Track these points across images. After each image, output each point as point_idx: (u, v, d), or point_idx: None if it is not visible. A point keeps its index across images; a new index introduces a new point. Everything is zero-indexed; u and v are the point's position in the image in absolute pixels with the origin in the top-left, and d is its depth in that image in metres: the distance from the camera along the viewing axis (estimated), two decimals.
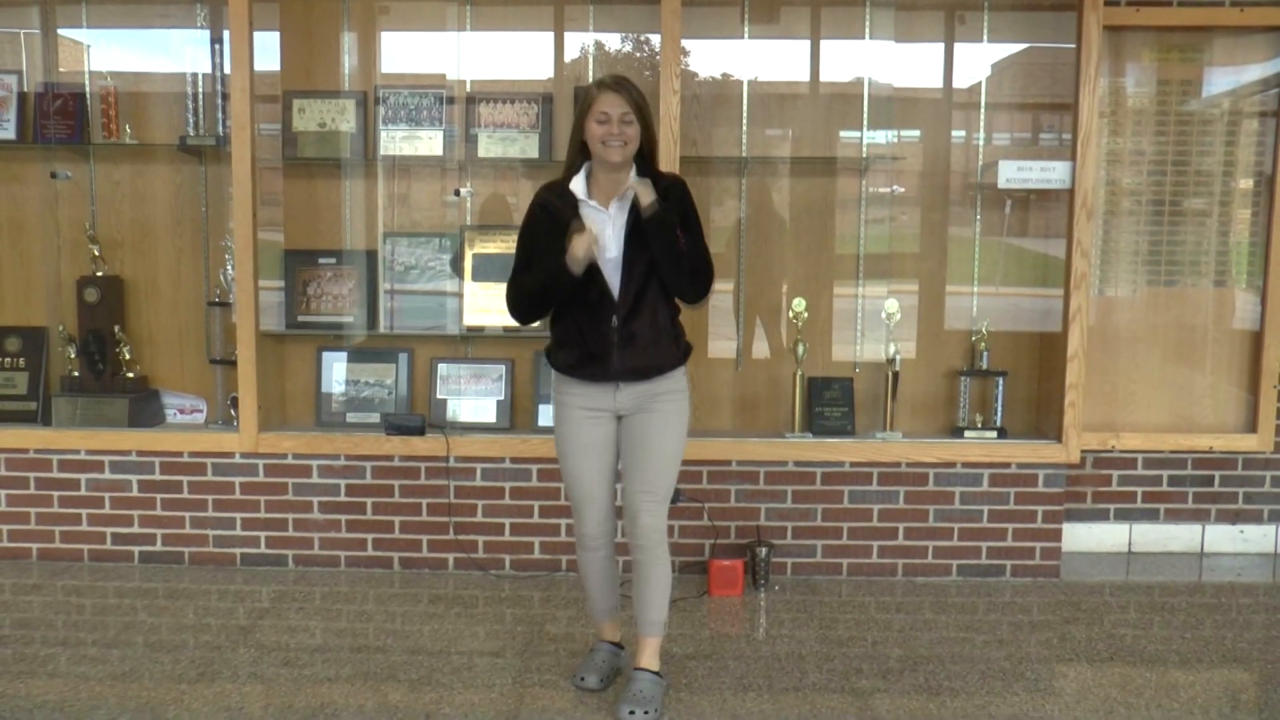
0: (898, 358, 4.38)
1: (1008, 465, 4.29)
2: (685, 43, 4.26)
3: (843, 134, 4.48)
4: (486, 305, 4.40)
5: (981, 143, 4.49)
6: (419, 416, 4.31)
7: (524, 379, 4.45)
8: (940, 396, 4.52)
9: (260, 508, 4.33)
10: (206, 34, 4.35)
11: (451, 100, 4.39)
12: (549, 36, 4.46)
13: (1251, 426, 4.55)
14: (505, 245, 4.39)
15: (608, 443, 3.12)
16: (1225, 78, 4.50)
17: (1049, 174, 4.23)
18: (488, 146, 4.37)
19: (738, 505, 4.31)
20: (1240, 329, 4.57)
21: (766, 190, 4.49)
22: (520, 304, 3.10)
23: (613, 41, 4.47)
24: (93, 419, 4.33)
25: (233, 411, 4.35)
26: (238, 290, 4.21)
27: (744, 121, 4.41)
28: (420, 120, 4.38)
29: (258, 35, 4.15)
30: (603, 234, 3.00)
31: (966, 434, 4.34)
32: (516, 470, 4.28)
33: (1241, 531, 4.65)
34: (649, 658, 3.15)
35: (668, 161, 3.93)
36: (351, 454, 4.29)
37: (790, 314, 4.35)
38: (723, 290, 4.43)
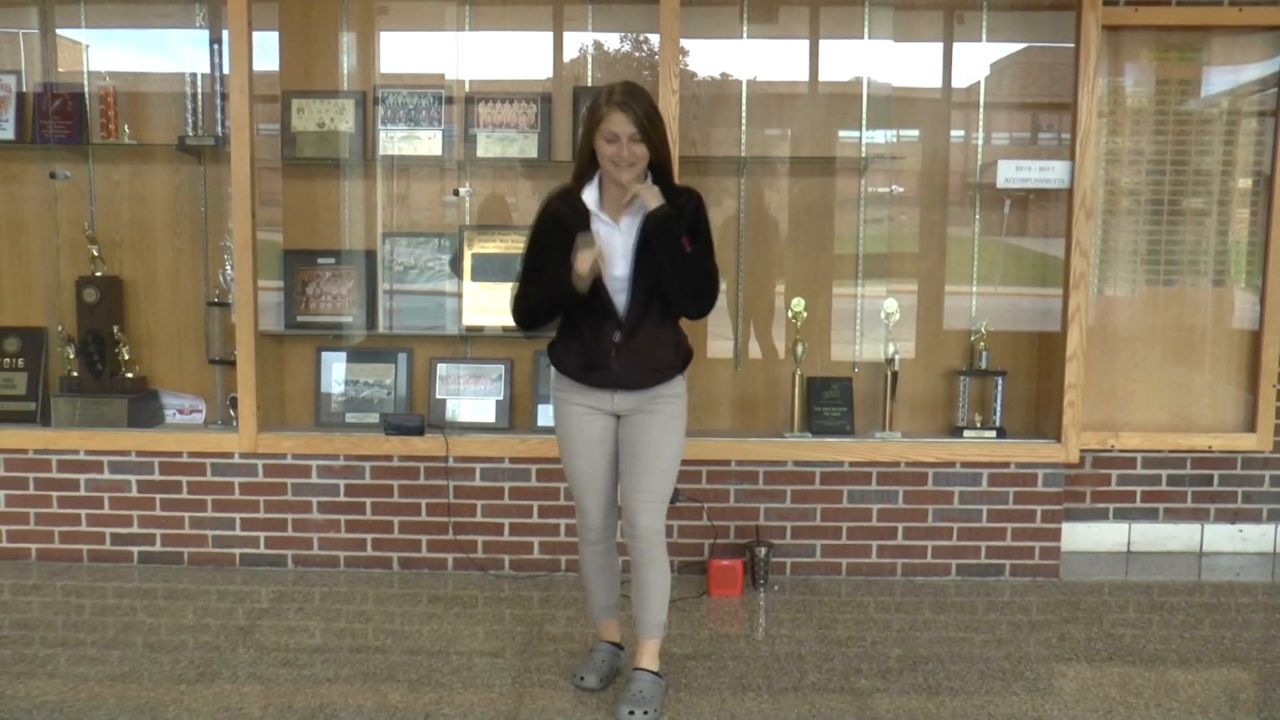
0: (897, 357, 4.38)
1: (1007, 465, 4.29)
2: (684, 42, 4.26)
3: (842, 134, 4.48)
4: (486, 305, 4.41)
5: (980, 142, 4.49)
6: (418, 416, 4.31)
7: (523, 379, 4.45)
8: (939, 396, 4.52)
9: (259, 508, 4.33)
10: (205, 34, 4.35)
11: (450, 100, 4.39)
12: (548, 36, 4.46)
13: (1250, 426, 4.55)
14: (504, 245, 4.40)
15: (607, 438, 3.12)
16: (1224, 77, 4.50)
17: (1048, 173, 4.23)
18: (486, 146, 4.37)
19: (737, 505, 4.31)
20: (1239, 328, 4.57)
21: (765, 190, 4.49)
22: (525, 314, 3.09)
23: (611, 41, 4.47)
24: (92, 419, 4.33)
25: (232, 412, 4.35)
26: (237, 290, 4.21)
27: (743, 121, 4.41)
28: (419, 120, 4.38)
29: (256, 35, 4.15)
30: (612, 249, 2.98)
31: (965, 434, 4.34)
32: (516, 470, 4.29)
33: (1240, 531, 4.65)
34: (648, 658, 3.16)
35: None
36: (351, 454, 4.29)
37: (789, 314, 4.35)
38: (721, 290, 4.41)
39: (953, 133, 4.52)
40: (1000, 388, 4.39)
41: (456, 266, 4.44)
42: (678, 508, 4.13)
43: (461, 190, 4.46)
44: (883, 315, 4.39)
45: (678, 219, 2.93)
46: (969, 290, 4.51)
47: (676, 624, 3.75)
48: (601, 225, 2.99)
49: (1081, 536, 4.61)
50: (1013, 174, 4.26)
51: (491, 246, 4.42)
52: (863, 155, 4.45)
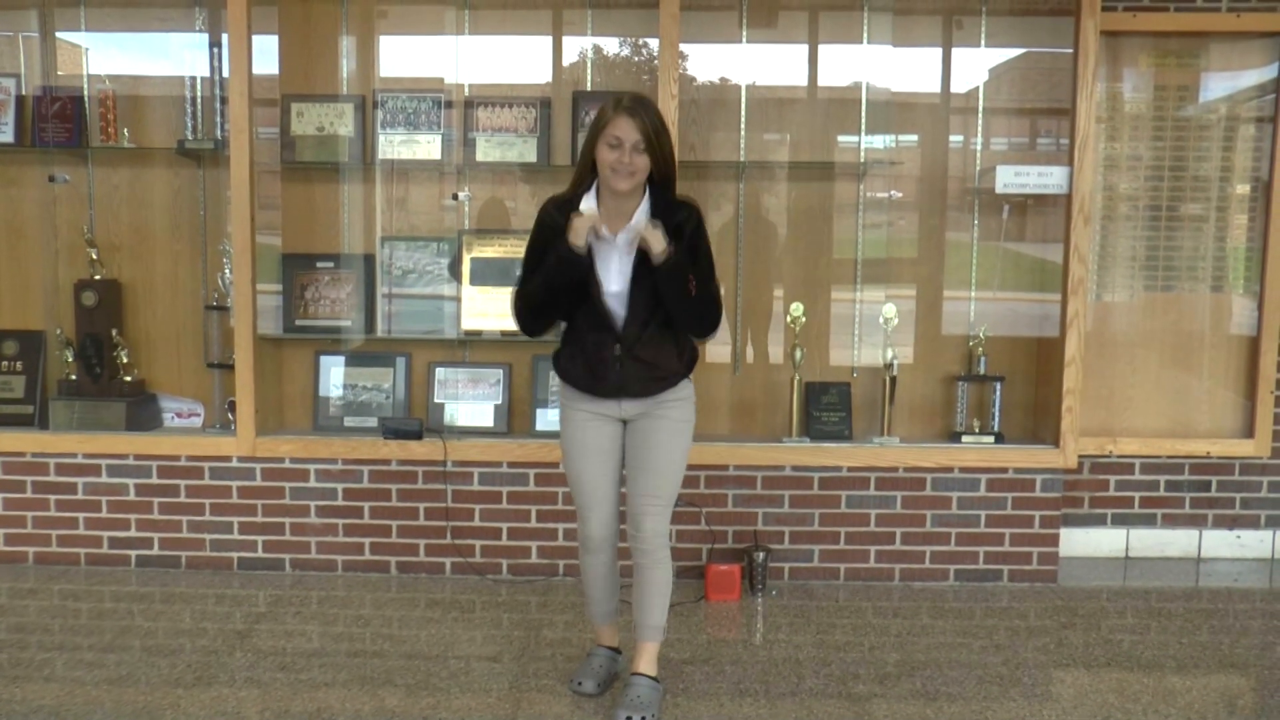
0: (895, 363, 4.38)
1: (1005, 470, 4.29)
2: (683, 47, 4.26)
3: (840, 139, 4.48)
4: (484, 309, 4.41)
5: (979, 148, 4.49)
6: (416, 421, 4.31)
7: (522, 383, 4.44)
8: (938, 401, 4.52)
9: (257, 511, 4.32)
10: (205, 37, 4.35)
11: (450, 104, 4.40)
12: (547, 41, 4.46)
13: (1249, 432, 4.55)
14: (503, 249, 4.40)
15: (613, 446, 3.12)
16: (1222, 83, 4.51)
17: (1046, 179, 4.23)
18: (486, 151, 4.37)
19: (735, 510, 4.31)
20: (1237, 334, 4.58)
21: (764, 195, 4.50)
22: (526, 313, 3.08)
23: (611, 46, 4.47)
24: (90, 422, 4.33)
25: (230, 415, 4.35)
26: (235, 294, 4.21)
27: (742, 126, 4.41)
28: (418, 124, 4.38)
29: (256, 39, 4.15)
30: (608, 264, 2.97)
31: (964, 439, 4.34)
32: (514, 475, 4.28)
33: (1238, 537, 4.65)
34: (647, 663, 3.15)
35: None
36: (349, 458, 4.28)
37: (788, 318, 4.35)
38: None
39: (951, 138, 4.53)
40: (999, 393, 4.39)
41: (455, 271, 4.44)
42: (676, 512, 4.12)
43: (460, 194, 4.46)
44: (881, 320, 4.40)
45: (682, 266, 2.90)
46: (967, 295, 4.52)
47: (674, 629, 3.75)
48: (598, 241, 2.98)
49: (1079, 542, 4.61)
50: (1011, 179, 4.27)
51: (490, 251, 4.42)
52: (861, 160, 4.46)
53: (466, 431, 4.37)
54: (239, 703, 3.18)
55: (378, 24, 4.45)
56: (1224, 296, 4.58)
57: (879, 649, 3.64)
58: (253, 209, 4.17)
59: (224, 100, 4.24)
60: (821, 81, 4.48)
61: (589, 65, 4.44)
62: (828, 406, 4.37)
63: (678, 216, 2.95)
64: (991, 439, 4.34)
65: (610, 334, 3.00)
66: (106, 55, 4.50)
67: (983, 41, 4.42)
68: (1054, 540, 4.33)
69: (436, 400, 4.42)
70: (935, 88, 4.49)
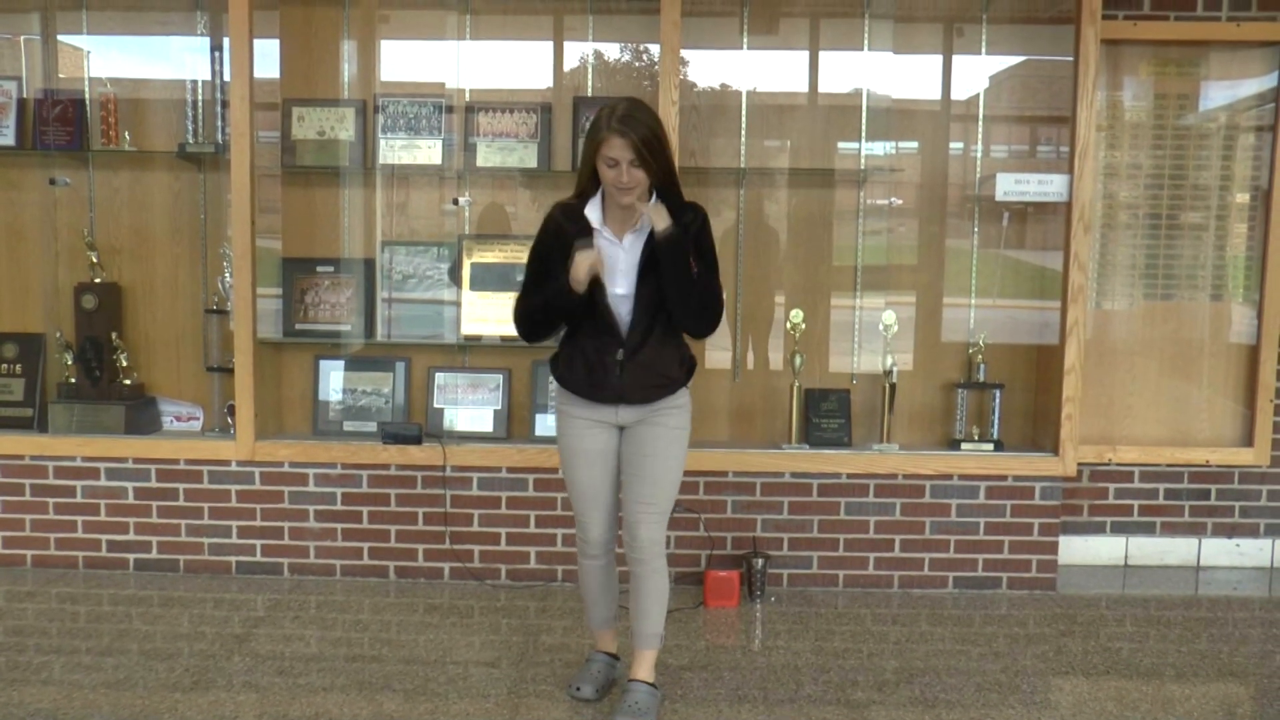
0: (895, 369, 4.38)
1: (1004, 478, 4.29)
2: (684, 53, 4.27)
3: (841, 145, 4.49)
4: (484, 314, 4.41)
5: (979, 155, 4.50)
6: (416, 425, 4.31)
7: (521, 388, 4.44)
8: (937, 408, 4.52)
9: (256, 516, 4.32)
10: (206, 41, 4.36)
11: (450, 109, 4.40)
12: (548, 46, 4.47)
13: (1248, 440, 4.55)
14: (503, 255, 4.40)
15: (610, 452, 3.12)
16: (1222, 92, 4.51)
17: (1046, 187, 4.24)
18: (486, 156, 4.37)
19: (734, 516, 4.30)
20: (1237, 343, 4.58)
21: (764, 201, 4.50)
22: (526, 324, 3.09)
23: (612, 52, 4.48)
24: (89, 426, 4.33)
25: (229, 419, 4.35)
26: (235, 298, 4.21)
27: (743, 132, 4.41)
28: (419, 129, 4.38)
29: (257, 43, 4.15)
30: (614, 265, 2.98)
31: (963, 446, 4.34)
32: (513, 480, 4.28)
33: (1238, 545, 4.65)
34: (645, 669, 3.15)
35: None
36: (348, 463, 4.28)
37: (788, 325, 4.36)
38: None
39: (952, 145, 4.53)
40: (998, 400, 4.39)
41: (455, 275, 4.44)
42: (675, 518, 4.12)
43: (461, 199, 4.46)
44: (881, 327, 4.40)
45: (684, 240, 2.93)
46: (967, 303, 4.52)
47: (673, 635, 3.74)
48: (604, 242, 2.99)
49: (1079, 550, 4.61)
50: (1011, 187, 4.27)
51: (490, 256, 4.43)
52: (862, 167, 4.46)
53: (466, 436, 4.37)
54: (237, 707, 3.17)
55: (379, 28, 4.46)
56: (1223, 305, 4.59)
57: (878, 656, 3.64)
58: (253, 213, 4.18)
59: (225, 104, 4.24)
60: (822, 88, 4.48)
61: (590, 71, 4.44)
62: (827, 413, 4.37)
63: (684, 218, 2.97)
64: (991, 446, 4.34)
65: (613, 339, 3.00)
66: (108, 58, 4.51)
67: (983, 49, 4.42)
68: (1053, 548, 4.33)
69: (436, 405, 4.42)
70: (936, 95, 4.49)
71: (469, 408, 4.41)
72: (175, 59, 4.47)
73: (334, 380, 4.46)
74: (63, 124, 4.35)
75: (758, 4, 4.38)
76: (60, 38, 4.50)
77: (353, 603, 4.08)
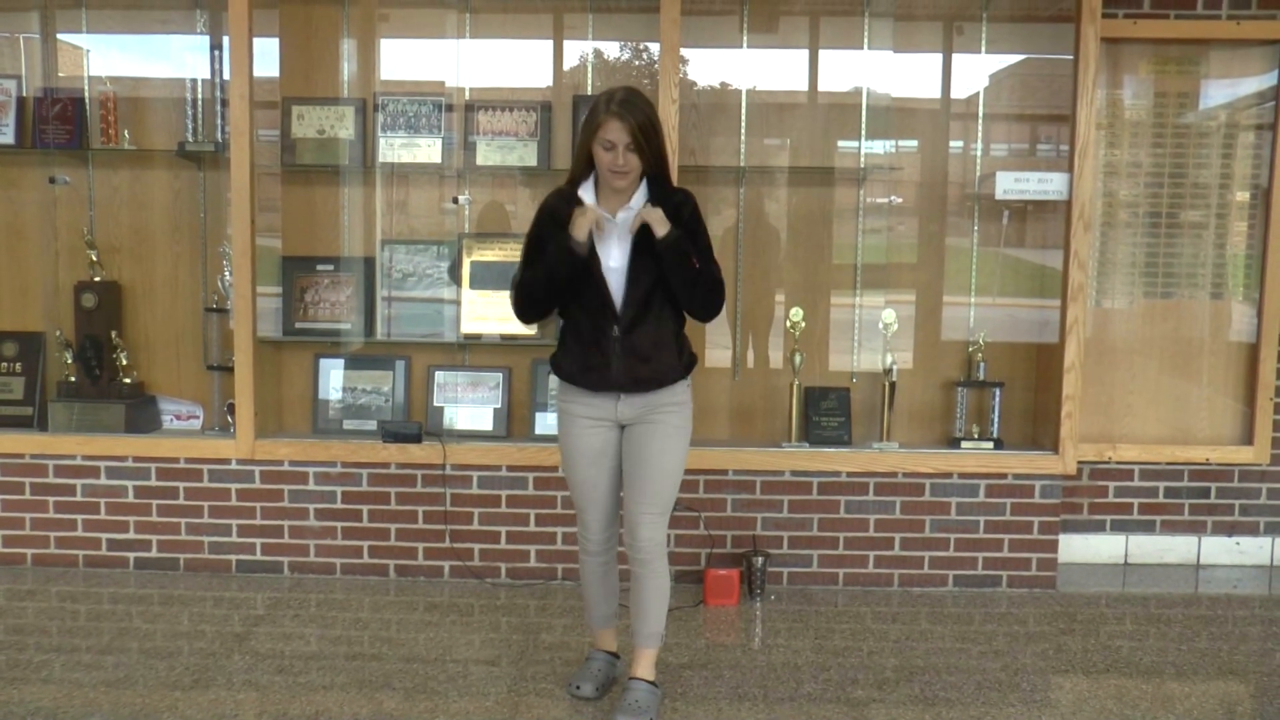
0: (895, 368, 4.38)
1: (1004, 476, 4.29)
2: (684, 52, 4.27)
3: (841, 144, 4.49)
4: (484, 313, 4.41)
5: (979, 153, 4.49)
6: (416, 424, 4.31)
7: (521, 387, 4.44)
8: (937, 407, 4.52)
9: (256, 514, 4.32)
10: (206, 40, 4.36)
11: (450, 108, 4.40)
12: (548, 45, 4.47)
13: (1248, 439, 4.55)
14: (503, 253, 4.40)
15: (610, 450, 3.12)
16: (1222, 90, 4.51)
17: (1046, 185, 4.24)
18: (486, 154, 4.37)
19: (734, 515, 4.30)
20: (1236, 341, 4.58)
21: (764, 200, 4.50)
22: (523, 301, 3.08)
23: (612, 50, 4.48)
24: (89, 424, 4.33)
25: (229, 418, 4.35)
26: (235, 296, 4.21)
27: (742, 131, 4.41)
28: (419, 128, 4.38)
29: (257, 41, 4.15)
30: (608, 243, 3.00)
31: (963, 444, 4.34)
32: (513, 478, 4.28)
33: (1238, 543, 4.65)
34: (645, 668, 3.16)
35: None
36: (348, 461, 4.28)
37: (787, 323, 4.36)
38: None
39: (951, 144, 4.53)
40: (998, 399, 4.39)
41: (455, 274, 4.44)
42: (675, 517, 4.12)
43: (461, 198, 4.46)
44: (881, 326, 4.40)
45: (684, 241, 2.95)
46: (967, 301, 4.52)
47: (673, 633, 3.74)
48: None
49: (1079, 548, 4.61)
50: (1011, 185, 4.27)
51: (490, 254, 4.43)
52: (862, 165, 4.46)
53: (466, 435, 4.37)
54: (237, 705, 3.17)
55: (379, 27, 4.46)
56: (1223, 303, 4.59)
57: (878, 654, 3.64)
58: (253, 211, 4.18)
59: (225, 103, 4.24)
60: (822, 87, 4.48)
61: (589, 69, 4.44)
62: (827, 411, 4.37)
63: (674, 200, 3.00)
64: (991, 445, 4.34)
65: (609, 318, 2.99)
66: (107, 57, 4.51)
67: (983, 47, 4.42)
68: (1053, 546, 4.33)
69: (436, 404, 4.42)
70: (936, 93, 4.49)
71: (469, 406, 4.41)
72: (175, 57, 4.47)
73: (334, 379, 4.46)
74: (62, 123, 4.35)
75: (757, 2, 4.38)
76: (60, 36, 4.50)
77: (353, 601, 4.08)
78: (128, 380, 4.42)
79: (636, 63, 4.49)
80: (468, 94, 4.43)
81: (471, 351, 4.48)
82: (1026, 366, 4.51)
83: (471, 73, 4.44)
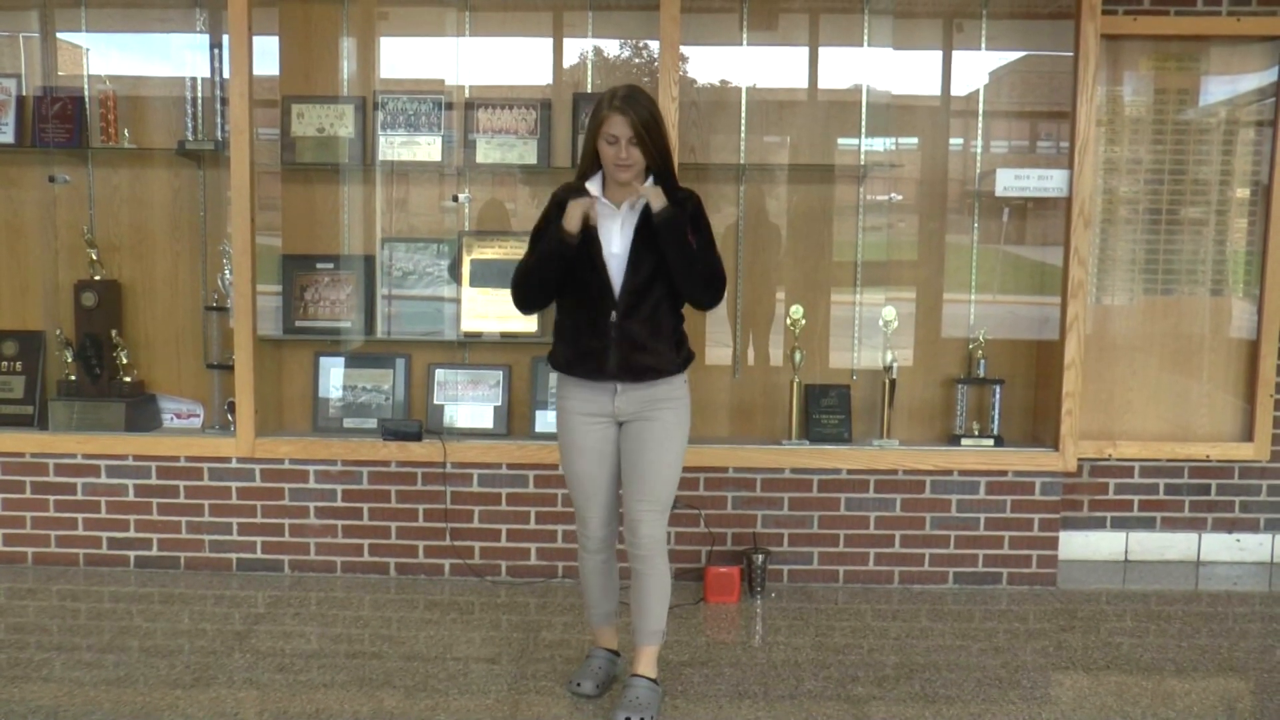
0: (895, 365, 4.38)
1: (1004, 473, 4.29)
2: (684, 49, 4.27)
3: (841, 141, 4.48)
4: (484, 311, 4.41)
5: (979, 150, 4.49)
6: (416, 422, 4.31)
7: (521, 385, 4.44)
8: (937, 404, 4.52)
9: (256, 513, 4.32)
10: (205, 38, 4.36)
11: (450, 106, 4.40)
12: (548, 43, 4.46)
13: (1248, 435, 4.55)
14: (504, 251, 4.40)
15: (609, 447, 3.12)
16: (1222, 87, 4.51)
17: (1046, 182, 4.23)
18: (486, 152, 4.37)
19: (734, 512, 4.30)
20: (1237, 338, 4.58)
21: (765, 197, 4.50)
22: (520, 284, 3.10)
23: (611, 48, 4.47)
24: (89, 423, 4.33)
25: (230, 416, 4.35)
26: (235, 295, 4.21)
27: (742, 128, 4.41)
28: (419, 126, 4.38)
29: (257, 40, 4.15)
30: (609, 228, 3.02)
31: (963, 442, 4.34)
32: (513, 476, 4.28)
33: (1238, 540, 4.65)
34: (646, 665, 3.16)
35: None
36: (348, 459, 4.28)
37: (788, 321, 4.35)
38: None
39: (952, 141, 4.53)
40: (998, 396, 4.39)
41: (455, 272, 4.44)
42: (675, 514, 4.13)
43: (461, 196, 4.46)
44: (881, 323, 4.40)
45: (681, 217, 2.97)
46: (967, 298, 4.52)
47: (673, 631, 3.74)
48: (602, 208, 3.03)
49: (1079, 545, 4.61)
50: (1011, 182, 4.27)
51: (490, 252, 4.43)
52: (862, 163, 4.46)
53: (466, 433, 4.37)
54: (237, 704, 3.18)
55: (378, 25, 4.45)
56: (1223, 300, 4.59)
57: (878, 651, 3.64)
58: (253, 210, 4.17)
59: (224, 101, 4.24)
60: (822, 84, 4.48)
61: (589, 67, 4.44)
62: (827, 409, 4.37)
63: (678, 196, 3.04)
64: (991, 442, 4.34)
65: (607, 304, 3.00)
66: (107, 56, 4.50)
67: (983, 44, 4.42)
68: (1053, 543, 4.33)
69: (436, 402, 4.42)
70: (935, 91, 4.49)
71: (469, 404, 4.42)
72: (174, 56, 4.47)
73: (334, 377, 4.46)
74: (62, 121, 4.35)
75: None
76: (59, 35, 4.49)
77: (353, 599, 4.08)
78: (128, 379, 4.42)
79: (636, 60, 4.48)
80: (467, 92, 4.43)
81: (471, 349, 4.48)
82: (1027, 363, 4.51)
83: (471, 71, 4.44)
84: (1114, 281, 4.58)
